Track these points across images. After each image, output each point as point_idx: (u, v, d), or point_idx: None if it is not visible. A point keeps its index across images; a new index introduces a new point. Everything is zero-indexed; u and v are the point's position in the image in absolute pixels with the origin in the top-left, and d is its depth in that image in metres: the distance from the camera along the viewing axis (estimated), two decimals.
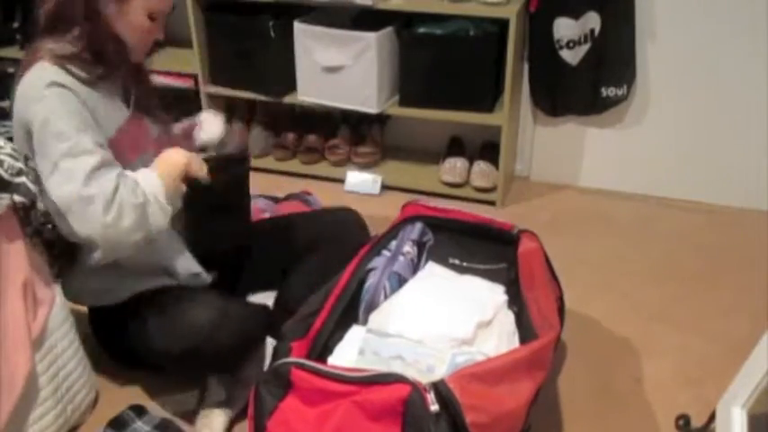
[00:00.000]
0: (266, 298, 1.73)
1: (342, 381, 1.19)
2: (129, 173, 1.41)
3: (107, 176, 1.35)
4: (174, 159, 1.47)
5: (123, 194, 1.35)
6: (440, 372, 1.27)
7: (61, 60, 1.40)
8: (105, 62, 1.45)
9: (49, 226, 1.46)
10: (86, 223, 1.33)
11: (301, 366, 1.23)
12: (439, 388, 1.15)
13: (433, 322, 1.39)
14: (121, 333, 1.57)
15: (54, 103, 1.36)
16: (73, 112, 1.37)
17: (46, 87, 1.36)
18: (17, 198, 1.34)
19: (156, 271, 1.54)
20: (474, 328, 1.37)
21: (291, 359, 1.26)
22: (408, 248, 1.61)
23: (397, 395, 1.15)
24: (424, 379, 1.20)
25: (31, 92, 1.38)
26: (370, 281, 1.52)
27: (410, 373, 1.26)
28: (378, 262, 1.56)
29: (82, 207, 1.32)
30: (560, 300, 1.67)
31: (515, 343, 1.43)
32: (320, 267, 1.63)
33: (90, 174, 1.33)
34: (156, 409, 1.63)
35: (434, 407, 1.14)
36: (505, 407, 1.22)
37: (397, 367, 1.30)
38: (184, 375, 1.66)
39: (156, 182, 1.41)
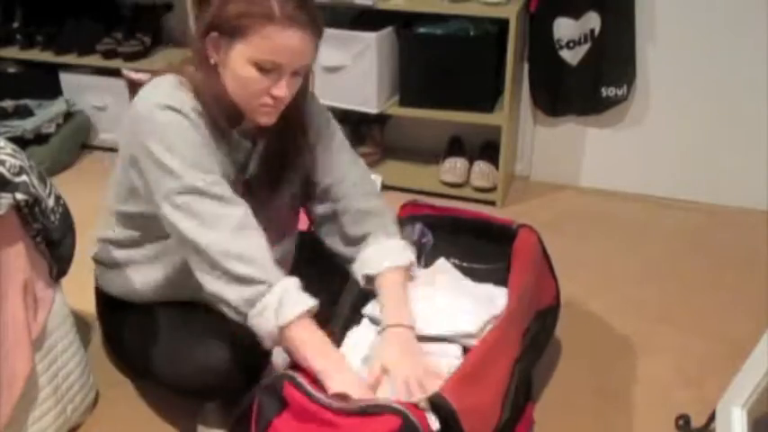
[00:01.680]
0: None
1: (329, 409, 1.15)
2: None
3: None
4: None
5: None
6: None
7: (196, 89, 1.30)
8: (213, 117, 1.30)
9: (55, 223, 1.45)
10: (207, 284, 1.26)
11: (294, 383, 1.19)
12: (437, 403, 1.13)
13: (442, 315, 1.38)
14: (128, 351, 1.56)
15: (169, 131, 1.26)
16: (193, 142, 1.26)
17: (159, 108, 1.26)
18: (19, 197, 1.34)
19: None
20: (482, 322, 1.37)
21: (286, 372, 1.22)
22: None
23: (386, 429, 1.10)
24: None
25: (143, 103, 1.28)
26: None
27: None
28: None
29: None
30: (557, 298, 1.67)
31: None
32: (334, 276, 1.55)
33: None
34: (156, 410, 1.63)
35: (435, 425, 1.12)
36: (488, 399, 1.22)
37: None
38: None
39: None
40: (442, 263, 1.59)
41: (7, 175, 1.33)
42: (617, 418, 1.61)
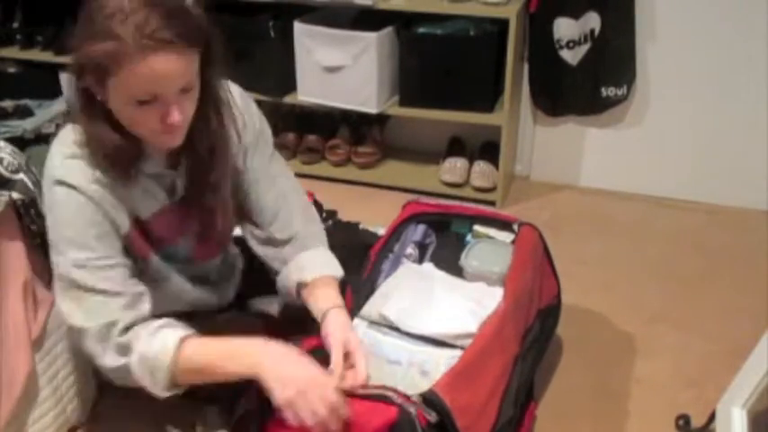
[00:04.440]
0: (273, 302, 1.73)
1: None
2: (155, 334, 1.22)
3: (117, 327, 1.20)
4: (294, 371, 1.14)
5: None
6: (434, 376, 1.27)
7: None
8: (113, 165, 1.22)
9: None
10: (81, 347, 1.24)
11: None
12: (429, 399, 1.13)
13: (435, 315, 1.39)
14: None
15: (61, 209, 1.21)
16: (82, 221, 1.21)
17: (54, 184, 1.20)
18: (15, 195, 1.34)
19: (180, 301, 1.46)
20: (477, 322, 1.37)
21: None
22: (411, 251, 1.61)
23: (384, 419, 1.11)
24: (419, 384, 1.19)
25: (45, 176, 1.22)
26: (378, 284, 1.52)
27: (407, 375, 1.26)
28: (384, 265, 1.56)
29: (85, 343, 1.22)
30: (558, 297, 1.67)
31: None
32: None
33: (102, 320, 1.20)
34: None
35: (431, 417, 1.12)
36: (483, 397, 1.22)
37: (391, 370, 1.29)
38: None
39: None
40: (428, 267, 1.59)
41: (5, 173, 1.33)
42: (617, 418, 1.61)
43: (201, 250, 1.45)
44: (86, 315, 1.21)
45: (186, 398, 1.46)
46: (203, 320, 1.39)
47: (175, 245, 1.40)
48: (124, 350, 1.21)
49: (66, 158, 1.21)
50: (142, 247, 1.34)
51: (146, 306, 1.26)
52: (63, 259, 1.21)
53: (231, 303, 1.59)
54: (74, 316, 1.22)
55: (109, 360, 1.21)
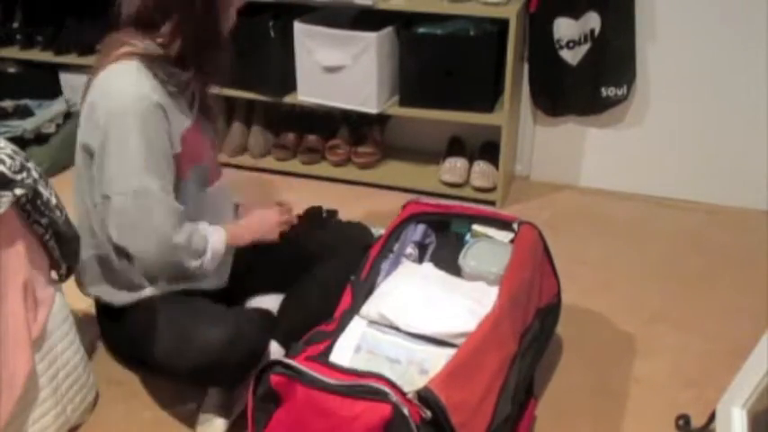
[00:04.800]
0: (272, 300, 1.73)
1: (322, 389, 1.17)
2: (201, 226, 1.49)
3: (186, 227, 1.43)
4: (270, 224, 1.63)
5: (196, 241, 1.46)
6: (433, 375, 1.26)
7: (150, 62, 1.37)
8: (197, 66, 1.43)
9: (62, 218, 1.45)
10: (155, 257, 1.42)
11: (282, 370, 1.20)
12: (425, 396, 1.13)
13: (435, 314, 1.39)
14: (130, 340, 1.56)
15: (144, 125, 1.35)
16: (160, 139, 1.38)
17: (136, 101, 1.34)
18: (18, 192, 1.34)
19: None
20: (477, 321, 1.37)
21: (271, 362, 1.23)
22: (410, 250, 1.61)
23: (378, 417, 1.12)
24: (418, 383, 1.19)
25: (117, 100, 1.35)
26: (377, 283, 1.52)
27: (406, 373, 1.26)
28: (383, 265, 1.56)
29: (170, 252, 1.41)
30: (558, 296, 1.67)
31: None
32: (332, 275, 1.61)
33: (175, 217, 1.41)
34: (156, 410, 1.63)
35: (426, 414, 1.12)
36: (479, 394, 1.22)
37: (391, 368, 1.30)
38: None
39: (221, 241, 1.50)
40: (428, 267, 1.58)
41: (8, 173, 1.33)
42: (617, 418, 1.61)
43: (214, 170, 1.60)
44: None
45: (188, 379, 1.50)
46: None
47: (201, 162, 1.53)
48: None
49: (137, 84, 1.36)
50: (192, 158, 1.48)
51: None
52: (134, 181, 1.36)
53: (226, 300, 1.60)
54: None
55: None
